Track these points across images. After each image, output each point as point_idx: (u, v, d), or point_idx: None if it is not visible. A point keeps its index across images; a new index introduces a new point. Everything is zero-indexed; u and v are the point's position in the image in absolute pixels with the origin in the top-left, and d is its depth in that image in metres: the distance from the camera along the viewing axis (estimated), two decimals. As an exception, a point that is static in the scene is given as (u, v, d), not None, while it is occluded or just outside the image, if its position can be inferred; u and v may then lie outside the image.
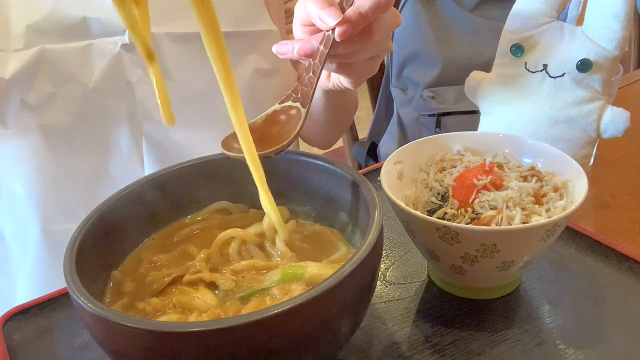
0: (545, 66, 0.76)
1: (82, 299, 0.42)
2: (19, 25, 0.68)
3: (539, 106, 0.78)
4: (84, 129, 0.74)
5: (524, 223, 0.53)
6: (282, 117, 0.57)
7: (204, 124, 0.78)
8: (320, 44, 0.56)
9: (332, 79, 0.68)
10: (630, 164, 0.87)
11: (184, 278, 0.52)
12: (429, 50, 1.38)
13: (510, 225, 0.54)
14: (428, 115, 1.37)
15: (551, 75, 0.76)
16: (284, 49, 0.58)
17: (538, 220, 0.53)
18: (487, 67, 0.82)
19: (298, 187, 0.59)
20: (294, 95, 0.58)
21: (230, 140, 0.56)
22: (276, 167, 0.57)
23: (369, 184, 0.52)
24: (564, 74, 0.75)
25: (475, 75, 0.83)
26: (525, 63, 0.77)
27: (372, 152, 1.60)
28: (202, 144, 0.68)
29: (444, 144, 0.66)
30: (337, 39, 0.54)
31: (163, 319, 0.48)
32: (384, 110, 1.61)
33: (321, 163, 0.57)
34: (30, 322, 0.59)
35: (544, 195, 0.57)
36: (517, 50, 0.77)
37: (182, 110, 0.75)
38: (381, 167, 0.61)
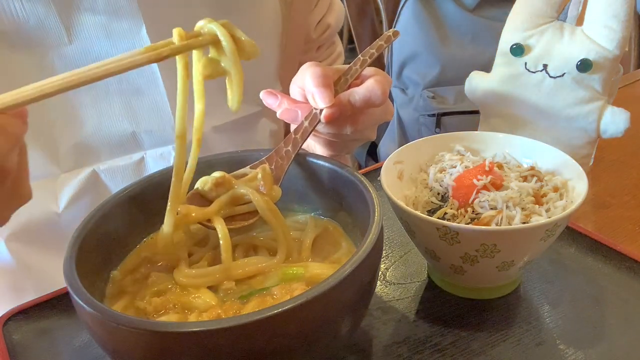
0: (545, 66, 0.76)
1: (82, 299, 0.42)
2: (66, 143, 0.68)
3: (538, 106, 0.78)
4: None
5: (524, 223, 0.53)
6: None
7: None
8: (306, 119, 0.57)
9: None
10: (630, 164, 0.86)
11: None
12: (429, 50, 1.38)
13: (510, 225, 0.54)
14: (428, 115, 1.37)
15: (551, 75, 0.76)
16: (271, 101, 0.60)
17: (538, 220, 0.53)
18: (487, 67, 0.82)
19: (298, 187, 0.59)
20: (267, 164, 0.57)
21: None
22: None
23: (369, 184, 0.52)
24: (564, 74, 0.75)
25: (475, 75, 0.83)
26: (525, 63, 0.77)
27: (372, 152, 1.60)
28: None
29: (444, 144, 0.66)
30: (322, 121, 0.56)
31: (163, 319, 0.48)
32: (384, 111, 1.61)
33: (321, 163, 0.57)
34: (30, 322, 0.59)
35: (544, 195, 0.57)
36: (517, 50, 0.77)
37: None
38: (381, 167, 0.61)
